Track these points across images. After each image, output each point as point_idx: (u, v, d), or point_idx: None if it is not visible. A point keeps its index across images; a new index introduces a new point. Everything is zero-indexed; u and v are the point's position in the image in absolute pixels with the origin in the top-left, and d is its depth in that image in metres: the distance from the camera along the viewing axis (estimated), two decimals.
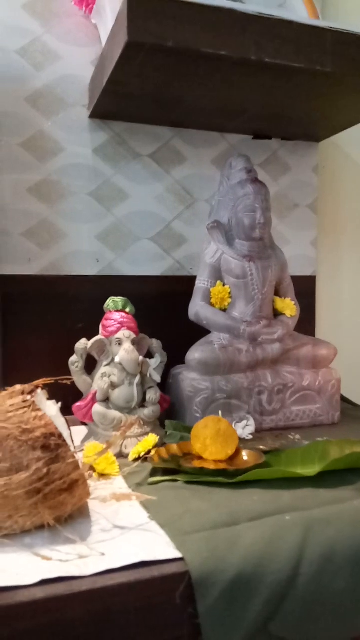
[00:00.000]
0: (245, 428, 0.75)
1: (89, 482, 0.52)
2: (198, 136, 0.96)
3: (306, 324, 1.03)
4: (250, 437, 0.75)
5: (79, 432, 0.74)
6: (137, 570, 0.41)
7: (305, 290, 1.04)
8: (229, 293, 0.82)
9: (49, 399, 0.57)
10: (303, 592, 0.43)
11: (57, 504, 0.45)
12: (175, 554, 0.43)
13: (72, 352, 0.74)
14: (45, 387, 0.55)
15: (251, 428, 0.76)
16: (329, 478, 0.58)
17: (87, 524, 0.48)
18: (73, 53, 0.88)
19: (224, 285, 0.82)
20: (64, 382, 0.57)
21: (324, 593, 0.44)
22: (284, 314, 0.84)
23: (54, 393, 0.64)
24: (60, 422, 0.53)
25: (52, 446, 0.45)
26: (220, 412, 0.73)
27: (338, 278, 1.14)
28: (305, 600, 0.43)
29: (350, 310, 1.16)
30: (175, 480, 0.59)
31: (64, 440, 0.46)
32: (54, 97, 0.88)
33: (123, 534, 0.47)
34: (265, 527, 0.47)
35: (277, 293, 0.86)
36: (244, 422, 0.76)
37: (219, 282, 0.82)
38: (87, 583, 0.40)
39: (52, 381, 0.53)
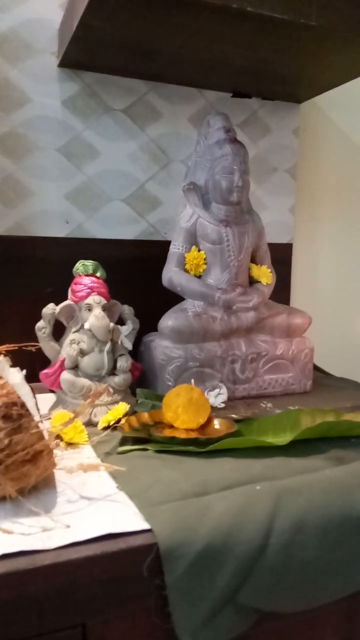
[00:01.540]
0: (218, 397, 0.74)
1: (55, 451, 0.50)
2: (175, 91, 0.91)
3: (281, 292, 1.02)
4: (223, 405, 0.74)
5: (47, 400, 0.72)
6: (104, 543, 0.40)
7: (281, 258, 1.02)
8: (204, 259, 0.79)
9: (13, 366, 0.54)
10: (272, 562, 0.43)
11: (20, 475, 0.43)
12: (144, 525, 0.42)
13: (39, 317, 0.70)
14: (8, 353, 0.53)
15: (223, 397, 0.75)
16: (301, 447, 0.58)
17: (52, 495, 0.47)
18: None
19: (199, 250, 0.79)
20: (29, 348, 0.54)
21: (293, 563, 0.43)
22: (260, 282, 0.82)
23: (19, 360, 0.62)
24: (24, 391, 0.50)
25: (14, 416, 0.43)
26: (192, 381, 0.72)
27: (314, 246, 1.13)
28: (275, 570, 0.43)
29: (326, 280, 1.15)
30: (146, 450, 0.57)
31: (27, 410, 0.44)
32: (20, 42, 0.81)
33: (90, 505, 0.45)
34: (235, 497, 0.46)
35: (253, 260, 0.84)
36: (217, 390, 0.75)
37: (194, 247, 0.79)
38: (50, 556, 0.38)
39: (16, 347, 0.50)
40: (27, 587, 0.37)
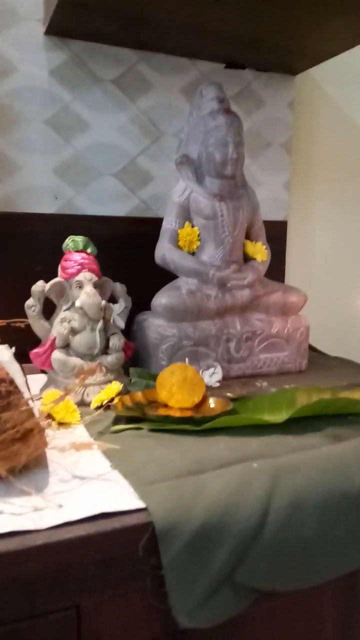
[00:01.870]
0: (213, 376, 0.73)
1: (47, 431, 0.48)
2: (166, 61, 0.88)
3: (275, 270, 1.00)
4: (218, 384, 0.73)
5: (38, 380, 0.70)
6: (97, 522, 0.39)
7: (275, 235, 1.00)
8: (198, 235, 0.77)
9: (1, 343, 0.52)
10: (270, 540, 0.42)
11: (10, 454, 0.42)
12: (138, 504, 0.41)
13: (28, 295, 0.68)
14: None
15: (218, 376, 0.74)
16: (297, 425, 0.57)
17: (44, 475, 0.45)
18: None
19: (192, 226, 0.77)
20: (18, 325, 0.52)
21: (291, 541, 0.42)
22: (255, 259, 0.80)
23: (8, 338, 0.60)
24: (13, 368, 0.48)
25: (3, 393, 0.41)
26: (187, 360, 0.70)
27: (309, 224, 1.11)
28: (273, 549, 0.42)
29: (321, 258, 1.14)
30: (140, 429, 0.56)
31: (17, 387, 0.42)
32: (4, 8, 0.77)
33: (83, 484, 0.44)
34: (232, 475, 0.45)
35: (248, 236, 0.82)
36: (211, 369, 0.74)
37: (187, 223, 0.77)
38: (42, 537, 0.37)
39: (4, 323, 0.48)
40: (18, 568, 0.36)
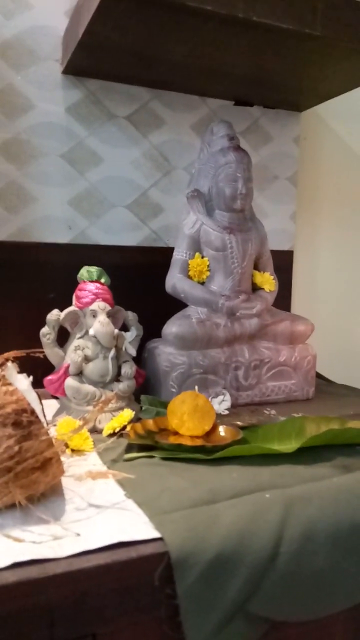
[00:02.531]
0: (222, 403, 0.74)
1: (62, 458, 0.49)
2: (177, 99, 0.92)
3: (282, 299, 1.02)
4: (227, 412, 0.74)
5: (50, 406, 0.71)
6: (115, 551, 0.40)
7: (282, 265, 1.02)
8: (208, 266, 0.79)
9: (19, 372, 0.53)
10: (283, 571, 0.42)
11: (29, 483, 0.43)
12: (154, 533, 0.42)
13: (42, 323, 0.70)
14: (14, 360, 0.52)
15: (227, 403, 0.75)
16: (307, 454, 0.58)
17: (60, 503, 0.46)
18: (45, 2, 0.81)
19: (202, 257, 0.79)
20: (37, 355, 0.54)
21: (303, 572, 0.43)
22: (263, 289, 0.82)
23: (22, 366, 0.61)
24: (31, 397, 0.50)
25: (24, 423, 0.42)
26: (196, 387, 0.71)
27: (315, 254, 1.13)
28: (285, 579, 0.42)
29: (326, 287, 1.16)
30: (152, 457, 0.57)
31: (37, 417, 0.43)
32: (25, 49, 0.81)
33: (99, 513, 0.45)
34: (245, 505, 0.46)
35: (256, 267, 0.84)
36: (220, 397, 0.75)
37: (197, 254, 0.79)
38: (62, 565, 0.38)
39: (24, 354, 0.49)
40: (38, 596, 0.37)
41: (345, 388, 0.92)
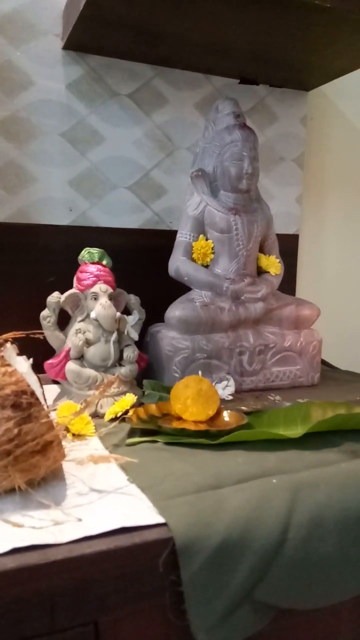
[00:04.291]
0: (226, 389, 0.73)
1: (63, 443, 0.48)
2: (181, 77, 0.89)
3: (287, 284, 1.00)
4: (231, 397, 0.72)
5: (51, 390, 0.70)
6: (117, 537, 0.38)
7: (287, 248, 1.00)
8: (212, 248, 0.77)
9: (19, 354, 0.52)
10: (290, 557, 0.41)
11: (29, 467, 0.42)
12: (158, 519, 0.40)
13: (42, 306, 0.69)
14: (14, 341, 0.51)
15: (231, 389, 0.73)
16: (313, 440, 0.57)
17: (61, 488, 0.45)
18: None
19: (206, 239, 0.77)
20: (36, 336, 0.52)
21: (312, 558, 0.42)
22: (268, 272, 0.81)
23: (22, 349, 0.60)
24: (31, 380, 0.48)
25: (24, 405, 0.41)
26: (200, 372, 0.70)
27: (321, 237, 1.11)
28: (293, 566, 0.41)
29: (332, 272, 1.14)
30: (155, 442, 0.56)
31: (37, 399, 0.42)
32: (23, 23, 0.78)
33: (101, 498, 0.44)
34: (251, 490, 0.45)
35: (261, 250, 0.82)
36: (224, 382, 0.74)
37: (201, 236, 0.77)
38: (62, 551, 0.36)
39: (24, 335, 0.48)
40: (39, 583, 0.35)
41: (350, 374, 0.91)
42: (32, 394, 0.41)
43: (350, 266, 1.15)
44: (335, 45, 0.78)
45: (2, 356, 0.42)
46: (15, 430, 0.40)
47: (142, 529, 0.39)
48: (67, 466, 0.49)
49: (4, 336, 0.46)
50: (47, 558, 0.36)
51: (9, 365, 0.42)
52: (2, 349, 0.44)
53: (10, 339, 0.46)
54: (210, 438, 0.56)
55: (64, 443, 0.50)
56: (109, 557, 0.37)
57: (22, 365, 0.49)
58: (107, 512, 0.41)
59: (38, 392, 0.47)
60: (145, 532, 0.39)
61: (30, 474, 0.42)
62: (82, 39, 0.78)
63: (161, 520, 0.40)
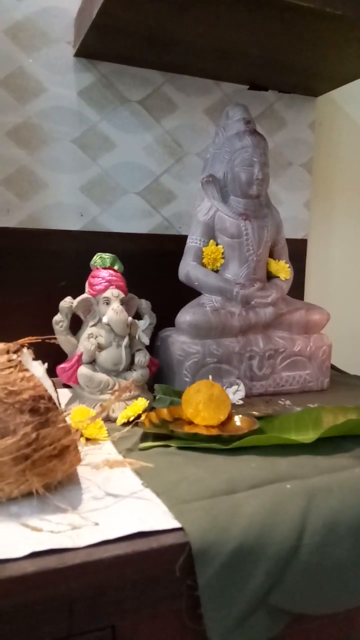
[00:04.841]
0: (236, 393, 0.73)
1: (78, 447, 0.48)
2: (191, 83, 0.90)
3: (295, 289, 1.00)
4: (241, 402, 0.73)
5: (63, 394, 0.71)
6: (134, 541, 0.39)
7: (295, 253, 1.00)
8: (222, 253, 0.78)
9: (34, 359, 0.52)
10: (305, 562, 0.41)
11: (47, 471, 0.42)
12: (174, 523, 0.41)
13: (53, 311, 0.69)
14: (29, 346, 0.51)
15: (242, 393, 0.74)
16: (325, 445, 0.57)
17: (77, 492, 0.45)
18: None
19: (217, 244, 0.78)
20: (51, 341, 0.53)
21: (326, 563, 0.42)
22: (278, 277, 0.81)
23: (35, 354, 0.60)
24: (47, 384, 0.49)
25: (42, 409, 0.41)
26: (210, 377, 0.70)
27: (329, 243, 1.11)
28: (308, 571, 0.41)
29: (340, 277, 1.14)
30: (168, 446, 0.56)
31: (54, 403, 0.42)
32: (36, 31, 0.79)
33: (116, 502, 0.44)
34: (266, 495, 0.45)
35: (271, 255, 0.82)
36: (235, 387, 0.74)
37: (211, 241, 0.78)
38: (80, 555, 0.37)
39: (40, 340, 0.48)
40: (57, 587, 0.36)
41: (359, 379, 0.91)
42: (50, 398, 0.42)
43: (358, 271, 1.16)
44: (343, 51, 0.78)
45: (20, 361, 0.43)
46: (34, 435, 0.40)
47: (158, 534, 0.40)
48: (81, 470, 0.49)
49: (20, 341, 0.46)
50: (65, 562, 0.36)
51: (26, 370, 0.43)
52: (19, 354, 0.44)
53: (26, 344, 0.47)
54: (222, 443, 0.56)
55: (79, 447, 0.50)
56: (127, 561, 0.38)
57: (38, 370, 0.49)
58: (124, 517, 0.41)
59: (54, 397, 0.48)
60: (162, 536, 0.40)
61: (48, 478, 0.42)
62: (94, 47, 0.79)
63: (177, 525, 0.41)
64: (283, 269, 0.81)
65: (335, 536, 0.43)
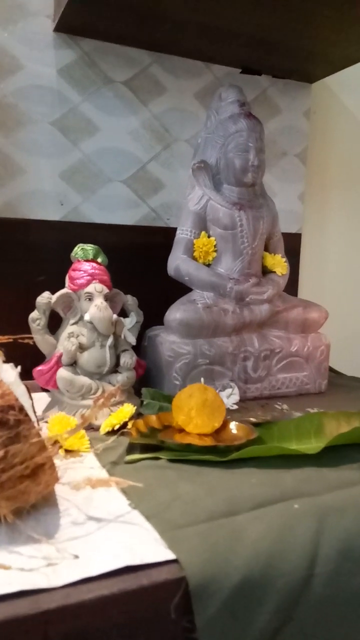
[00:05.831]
0: (230, 397, 0.68)
1: (55, 461, 0.42)
2: (180, 64, 0.84)
3: (289, 284, 0.95)
4: (235, 407, 0.67)
5: (40, 399, 0.64)
6: (121, 578, 0.33)
7: (289, 248, 0.95)
8: (215, 246, 0.72)
9: (5, 361, 0.46)
10: (319, 595, 0.36)
11: (17, 494, 0.36)
12: (167, 554, 0.35)
13: (31, 308, 0.63)
14: (0, 347, 0.45)
15: (236, 397, 0.68)
16: (330, 455, 0.52)
17: (54, 516, 0.39)
18: None
19: (208, 236, 0.72)
20: (25, 341, 0.47)
21: (341, 595, 0.37)
22: (274, 272, 0.76)
23: (9, 355, 0.54)
24: (19, 391, 0.43)
25: (11, 422, 0.35)
26: (202, 379, 0.65)
27: (324, 237, 1.07)
28: (322, 605, 0.36)
29: (335, 272, 1.09)
30: (157, 458, 0.50)
31: (26, 415, 0.36)
32: (12, 2, 0.73)
33: (100, 527, 0.38)
34: (271, 518, 0.39)
35: (266, 248, 0.77)
36: (228, 390, 0.68)
37: (203, 232, 0.72)
38: (57, 597, 0.31)
39: (10, 340, 0.42)
40: (30, 636, 0.30)
41: (357, 380, 0.86)
42: (21, 409, 0.36)
43: (354, 266, 1.11)
44: (341, 32, 0.73)
45: None
46: (1, 452, 0.34)
47: (149, 568, 0.34)
48: (59, 489, 0.43)
49: None
50: (40, 606, 0.30)
51: None
52: None
53: None
54: (218, 454, 0.50)
55: (56, 461, 0.44)
56: (113, 602, 0.32)
57: (9, 374, 0.43)
58: (108, 547, 0.35)
59: (26, 405, 0.42)
60: (154, 571, 0.34)
61: (18, 502, 0.36)
62: (75, 21, 0.72)
63: (171, 556, 0.35)
64: (279, 264, 0.76)
65: (351, 563, 0.38)
